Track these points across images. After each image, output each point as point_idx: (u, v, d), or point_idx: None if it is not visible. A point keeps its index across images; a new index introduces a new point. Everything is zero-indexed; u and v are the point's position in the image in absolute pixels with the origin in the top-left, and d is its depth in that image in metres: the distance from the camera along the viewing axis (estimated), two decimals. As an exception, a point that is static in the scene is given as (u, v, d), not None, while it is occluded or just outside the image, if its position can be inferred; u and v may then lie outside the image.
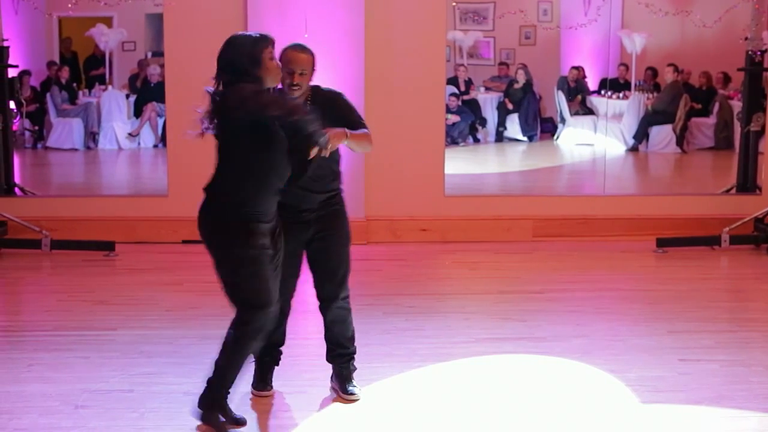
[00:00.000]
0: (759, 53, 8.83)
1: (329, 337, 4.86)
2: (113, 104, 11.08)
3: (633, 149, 11.56)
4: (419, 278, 7.48)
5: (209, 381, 4.32)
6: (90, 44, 11.23)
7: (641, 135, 11.56)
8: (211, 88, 4.21)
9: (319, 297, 4.78)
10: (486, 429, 4.49)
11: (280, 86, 4.47)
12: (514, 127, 11.92)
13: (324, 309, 4.79)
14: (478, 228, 8.66)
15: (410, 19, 8.50)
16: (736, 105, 10.68)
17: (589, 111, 11.72)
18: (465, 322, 6.23)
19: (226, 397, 4.35)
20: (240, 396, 4.69)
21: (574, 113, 11.76)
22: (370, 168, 8.50)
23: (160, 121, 10.61)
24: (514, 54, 11.94)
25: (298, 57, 4.49)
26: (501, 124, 11.92)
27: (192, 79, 8.24)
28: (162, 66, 9.62)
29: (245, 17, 8.25)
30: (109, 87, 11.26)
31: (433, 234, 8.64)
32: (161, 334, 5.86)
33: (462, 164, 10.79)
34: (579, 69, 11.78)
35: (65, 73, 11.07)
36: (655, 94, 11.72)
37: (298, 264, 4.72)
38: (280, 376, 4.89)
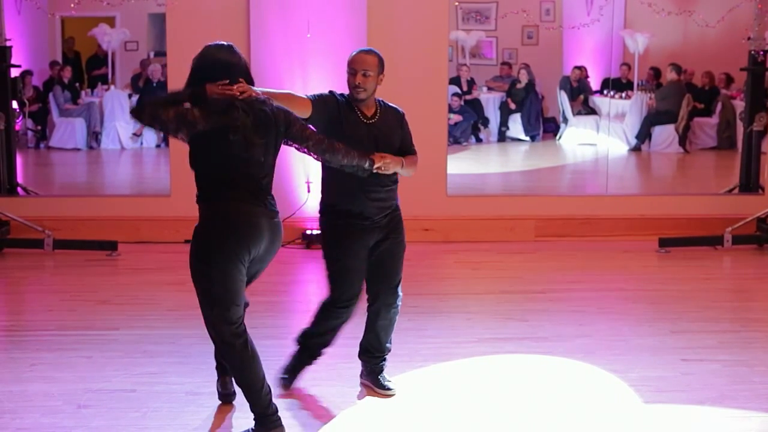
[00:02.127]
0: (762, 53, 8.84)
1: (371, 338, 4.88)
2: (116, 104, 11.10)
3: (636, 149, 11.57)
4: (422, 278, 7.44)
5: None
6: (93, 44, 11.26)
7: (644, 135, 11.58)
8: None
9: (375, 299, 4.80)
10: (488, 428, 4.50)
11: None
12: (516, 126, 11.95)
13: (377, 311, 4.80)
14: (481, 228, 8.67)
15: (412, 18, 8.52)
16: (739, 105, 10.71)
17: (592, 111, 11.75)
18: (467, 322, 6.24)
19: None
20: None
21: (577, 113, 11.78)
22: (373, 168, 8.54)
23: (163, 121, 10.60)
24: (516, 54, 11.97)
25: (362, 57, 4.55)
26: (503, 123, 11.94)
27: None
28: (164, 66, 9.63)
29: (248, 18, 8.27)
30: (112, 87, 11.29)
31: (435, 234, 8.63)
32: (163, 333, 5.87)
33: (464, 164, 10.85)
34: (581, 69, 11.82)
35: (68, 73, 11.09)
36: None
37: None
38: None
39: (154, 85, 10.71)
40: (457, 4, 10.56)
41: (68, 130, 11.04)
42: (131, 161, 11.36)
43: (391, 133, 4.66)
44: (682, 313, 6.37)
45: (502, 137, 12.00)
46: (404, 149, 4.72)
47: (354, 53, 4.59)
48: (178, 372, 5.13)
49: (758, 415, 4.64)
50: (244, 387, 4.23)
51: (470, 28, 11.54)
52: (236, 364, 4.22)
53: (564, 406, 4.77)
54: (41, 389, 4.90)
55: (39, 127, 11.13)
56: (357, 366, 5.04)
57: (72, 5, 9.56)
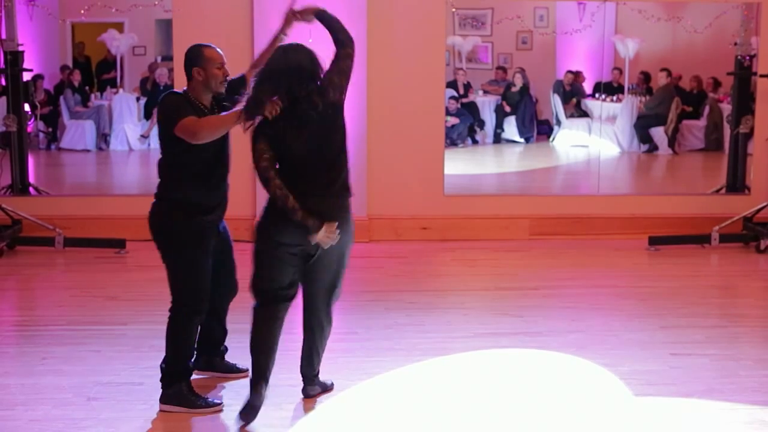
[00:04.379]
0: (748, 58, 8.91)
1: None
2: (124, 107, 11.00)
3: (650, 150, 11.62)
4: (420, 275, 7.52)
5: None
6: (102, 49, 11.17)
7: (645, 136, 11.58)
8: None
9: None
10: (484, 420, 4.57)
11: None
12: (511, 129, 11.84)
13: None
14: (477, 226, 8.74)
15: (411, 24, 8.58)
16: (726, 108, 10.69)
17: (584, 113, 11.62)
18: (464, 318, 6.30)
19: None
20: (242, 387, 4.76)
21: (569, 116, 11.71)
22: (373, 168, 8.59)
23: (169, 123, 10.63)
24: (511, 58, 11.84)
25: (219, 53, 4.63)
26: (498, 126, 11.85)
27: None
28: (170, 69, 9.69)
29: (251, 23, 8.32)
30: (120, 90, 11.17)
31: (433, 232, 8.71)
32: (170, 328, 5.98)
33: (461, 165, 10.72)
34: (574, 73, 11.73)
35: (78, 77, 10.95)
36: (647, 98, 11.77)
37: None
38: (282, 368, 4.82)
39: (161, 88, 10.64)
40: (454, 10, 10.55)
41: (78, 132, 10.94)
42: (139, 162, 11.26)
43: None
44: (671, 309, 6.43)
45: (497, 139, 11.89)
46: None
47: (213, 49, 4.66)
48: (184, 365, 5.17)
49: (744, 407, 4.71)
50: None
51: (467, 34, 11.43)
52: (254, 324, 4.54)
53: (557, 398, 4.83)
54: (52, 382, 4.97)
55: (50, 129, 11.01)
56: (357, 359, 5.17)
57: (82, 11, 9.58)
